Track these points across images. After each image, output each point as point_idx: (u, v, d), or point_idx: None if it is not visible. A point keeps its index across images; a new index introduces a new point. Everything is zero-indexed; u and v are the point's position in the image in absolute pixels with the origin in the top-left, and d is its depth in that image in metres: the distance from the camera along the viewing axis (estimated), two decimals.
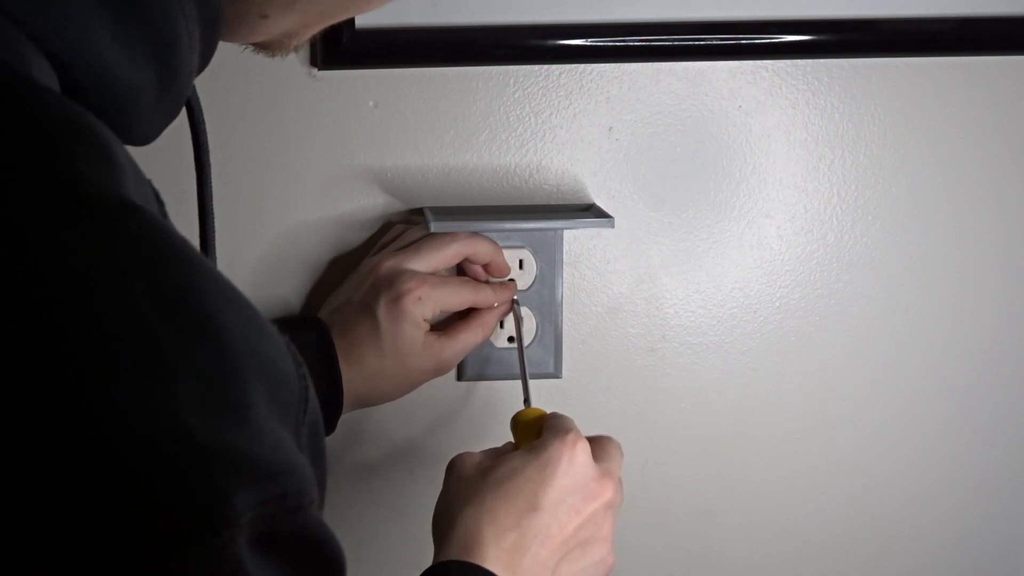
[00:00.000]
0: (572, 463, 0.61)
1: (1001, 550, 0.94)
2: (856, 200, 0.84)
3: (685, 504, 0.89)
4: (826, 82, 0.81)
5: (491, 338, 0.80)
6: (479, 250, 0.76)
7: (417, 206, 0.80)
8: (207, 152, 0.53)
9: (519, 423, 0.68)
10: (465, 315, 0.78)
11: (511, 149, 0.80)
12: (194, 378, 0.30)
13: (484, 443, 0.69)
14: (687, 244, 0.84)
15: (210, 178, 0.53)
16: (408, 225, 0.79)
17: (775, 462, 0.89)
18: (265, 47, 0.47)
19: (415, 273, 0.73)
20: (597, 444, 0.66)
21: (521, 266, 0.81)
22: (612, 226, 0.77)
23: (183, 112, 0.48)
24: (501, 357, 0.81)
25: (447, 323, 0.77)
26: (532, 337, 0.82)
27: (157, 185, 0.39)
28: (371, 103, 0.78)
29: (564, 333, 0.83)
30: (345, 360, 0.72)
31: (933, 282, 0.86)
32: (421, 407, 0.83)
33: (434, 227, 0.75)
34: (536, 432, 0.66)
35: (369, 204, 0.80)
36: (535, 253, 0.81)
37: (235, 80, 0.76)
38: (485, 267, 0.78)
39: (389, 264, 0.74)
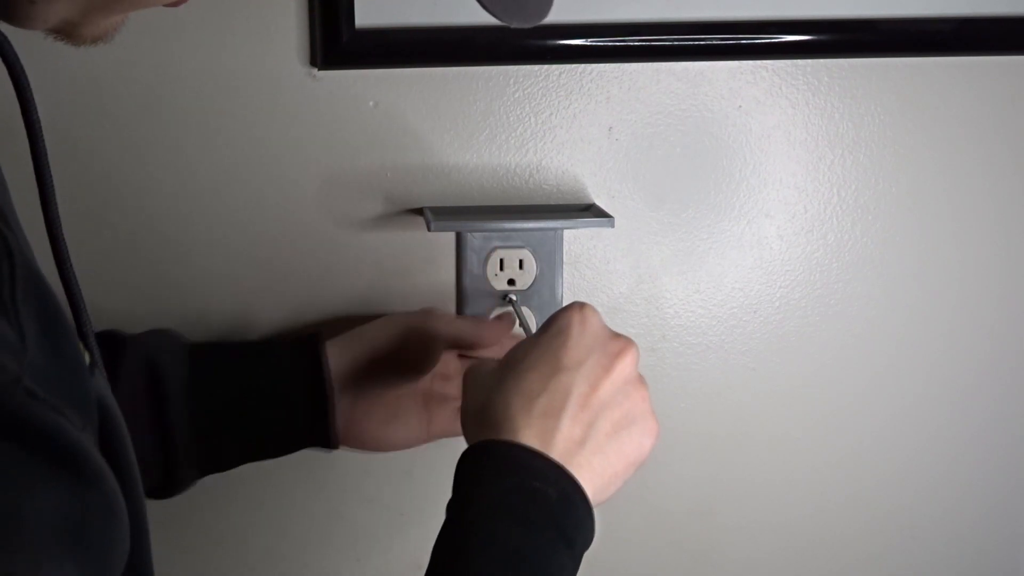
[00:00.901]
0: (584, 323, 0.60)
1: (1001, 550, 0.94)
2: (856, 200, 0.84)
3: (685, 504, 0.89)
4: (826, 82, 0.81)
5: None
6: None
7: (417, 206, 0.80)
8: (37, 121, 0.51)
9: None
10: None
11: (511, 149, 0.80)
12: None
13: None
14: (687, 244, 0.84)
15: (42, 139, 0.51)
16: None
17: (775, 462, 0.89)
18: (61, 34, 0.46)
19: None
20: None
21: (521, 266, 0.81)
22: (612, 226, 0.77)
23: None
24: None
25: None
26: None
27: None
28: (371, 103, 0.78)
29: None
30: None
31: (933, 282, 0.86)
32: None
33: (434, 227, 0.75)
34: None
35: (369, 204, 0.80)
36: (535, 253, 0.81)
37: (235, 80, 0.77)
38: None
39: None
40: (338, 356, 0.73)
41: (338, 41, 0.75)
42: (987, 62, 0.82)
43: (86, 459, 0.37)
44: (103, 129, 0.77)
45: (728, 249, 0.84)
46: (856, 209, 0.84)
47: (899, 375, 0.88)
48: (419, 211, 0.80)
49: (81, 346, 0.44)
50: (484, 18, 0.50)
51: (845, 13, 0.78)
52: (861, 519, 0.91)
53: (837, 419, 0.89)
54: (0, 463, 0.33)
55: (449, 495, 0.56)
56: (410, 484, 0.85)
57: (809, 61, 0.81)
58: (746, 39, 0.78)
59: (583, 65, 0.79)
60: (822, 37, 0.79)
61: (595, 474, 0.57)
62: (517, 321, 0.79)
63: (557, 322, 0.61)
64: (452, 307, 0.82)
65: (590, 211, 0.81)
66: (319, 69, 0.77)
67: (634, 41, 0.77)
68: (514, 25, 0.52)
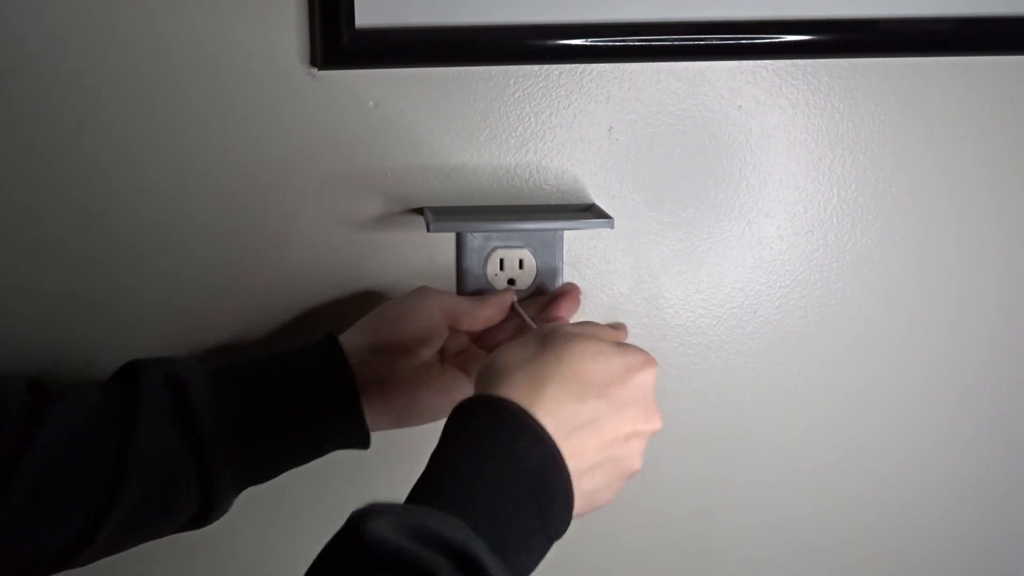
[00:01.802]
0: (648, 382, 0.60)
1: (1001, 550, 0.94)
2: (856, 200, 0.84)
3: (685, 503, 0.89)
4: (826, 82, 0.81)
5: None
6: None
7: (417, 206, 0.80)
8: None
9: None
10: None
11: (511, 149, 0.80)
12: None
13: None
14: (687, 244, 0.84)
15: None
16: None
17: (775, 462, 0.89)
18: None
19: None
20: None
21: (521, 266, 0.81)
22: (612, 227, 0.77)
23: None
24: None
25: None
26: None
27: None
28: (371, 103, 0.78)
29: None
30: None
31: (933, 282, 0.86)
32: None
33: (434, 227, 0.75)
34: None
35: (369, 204, 0.80)
36: (535, 253, 0.81)
37: (235, 80, 0.77)
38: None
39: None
40: (354, 348, 0.73)
41: (338, 41, 0.75)
42: (987, 62, 0.82)
43: None
44: (102, 128, 0.77)
45: (728, 249, 0.84)
46: (856, 209, 0.84)
47: (899, 375, 0.88)
48: (419, 211, 0.80)
49: None
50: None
51: (845, 13, 0.78)
52: (861, 519, 0.91)
53: (837, 419, 0.89)
54: None
55: None
56: (410, 484, 0.84)
57: (809, 61, 0.81)
58: (746, 39, 0.78)
59: (583, 65, 0.79)
60: (822, 37, 0.79)
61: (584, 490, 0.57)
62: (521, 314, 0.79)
63: (632, 357, 0.60)
64: None
65: (590, 211, 0.81)
66: (319, 69, 0.77)
67: (634, 41, 0.77)
68: None
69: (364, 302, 0.81)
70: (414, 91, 0.78)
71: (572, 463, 0.56)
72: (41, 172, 0.77)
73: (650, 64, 0.80)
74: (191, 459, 0.67)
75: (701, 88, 0.81)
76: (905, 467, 0.91)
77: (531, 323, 0.76)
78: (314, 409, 0.71)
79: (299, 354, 0.73)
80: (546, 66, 0.79)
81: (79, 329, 0.80)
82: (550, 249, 0.81)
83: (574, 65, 0.79)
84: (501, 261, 0.81)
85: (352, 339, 0.74)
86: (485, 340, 0.78)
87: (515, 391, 0.56)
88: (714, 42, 0.78)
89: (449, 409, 0.59)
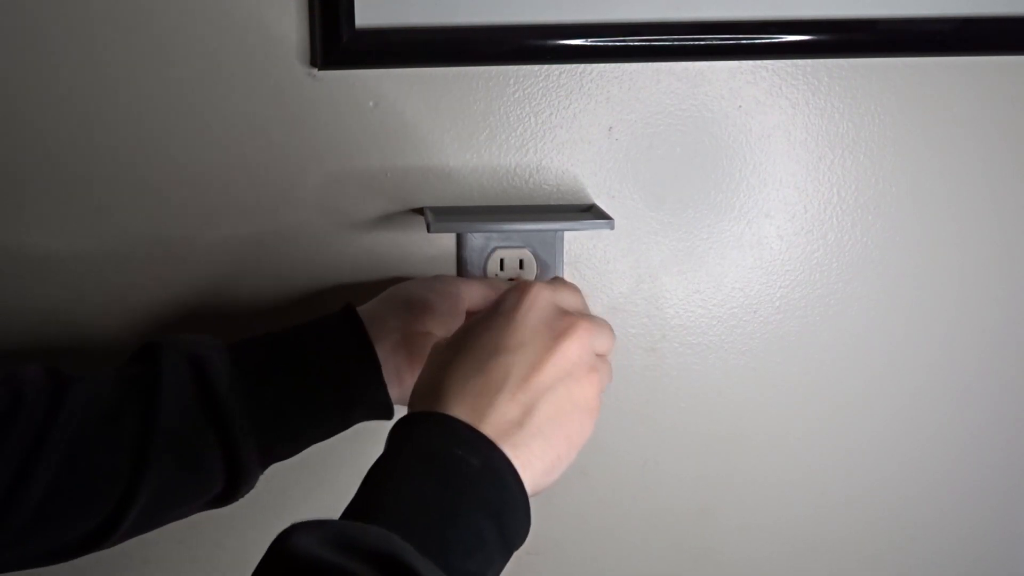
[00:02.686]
0: (532, 303, 0.59)
1: (1001, 550, 0.94)
2: (856, 200, 0.84)
3: (685, 503, 0.89)
4: (826, 82, 0.81)
5: None
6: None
7: (417, 206, 0.80)
8: None
9: None
10: None
11: (511, 149, 0.80)
12: None
13: None
14: (687, 244, 0.84)
15: None
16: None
17: (775, 462, 0.89)
18: None
19: None
20: (563, 288, 0.64)
21: (521, 266, 0.81)
22: (612, 227, 0.77)
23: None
24: None
25: None
26: None
27: None
28: (371, 103, 0.78)
29: None
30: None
31: (933, 282, 0.86)
32: None
33: (434, 227, 0.75)
34: None
35: (369, 204, 0.80)
36: (535, 253, 0.81)
37: (235, 80, 0.77)
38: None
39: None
40: (373, 320, 0.73)
41: (338, 41, 0.75)
42: (987, 62, 0.82)
43: None
44: (101, 128, 0.77)
45: (728, 249, 0.84)
46: (856, 209, 0.84)
47: (899, 375, 0.88)
48: (419, 211, 0.80)
49: None
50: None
51: (845, 13, 0.78)
52: (861, 519, 0.91)
53: (837, 419, 0.89)
54: None
55: None
56: None
57: (809, 61, 0.81)
58: (746, 39, 0.78)
59: (583, 65, 0.79)
60: (822, 37, 0.79)
61: (535, 456, 0.56)
62: None
63: (505, 302, 0.60)
64: None
65: (590, 211, 0.81)
66: (319, 69, 0.77)
67: (634, 41, 0.78)
68: None
69: (364, 302, 0.81)
70: (414, 91, 0.78)
71: (519, 456, 0.55)
72: (41, 172, 0.77)
73: (650, 64, 0.80)
74: (215, 434, 0.66)
75: (701, 88, 0.81)
76: (905, 467, 0.91)
77: None
78: (335, 378, 0.70)
79: (317, 324, 0.73)
80: (546, 66, 0.79)
81: (79, 329, 0.80)
82: (550, 249, 0.81)
83: (574, 65, 0.79)
84: (501, 261, 0.81)
85: (372, 312, 0.73)
86: None
87: (421, 401, 0.57)
88: (714, 42, 0.78)
89: None
